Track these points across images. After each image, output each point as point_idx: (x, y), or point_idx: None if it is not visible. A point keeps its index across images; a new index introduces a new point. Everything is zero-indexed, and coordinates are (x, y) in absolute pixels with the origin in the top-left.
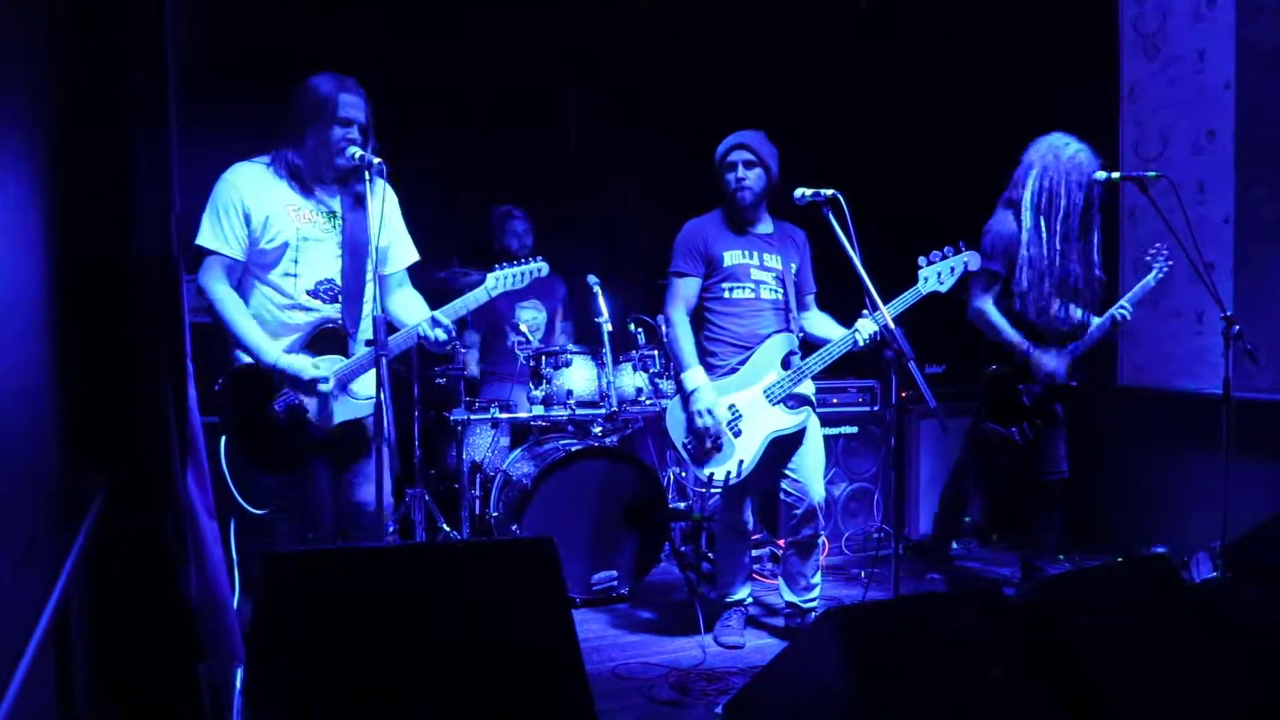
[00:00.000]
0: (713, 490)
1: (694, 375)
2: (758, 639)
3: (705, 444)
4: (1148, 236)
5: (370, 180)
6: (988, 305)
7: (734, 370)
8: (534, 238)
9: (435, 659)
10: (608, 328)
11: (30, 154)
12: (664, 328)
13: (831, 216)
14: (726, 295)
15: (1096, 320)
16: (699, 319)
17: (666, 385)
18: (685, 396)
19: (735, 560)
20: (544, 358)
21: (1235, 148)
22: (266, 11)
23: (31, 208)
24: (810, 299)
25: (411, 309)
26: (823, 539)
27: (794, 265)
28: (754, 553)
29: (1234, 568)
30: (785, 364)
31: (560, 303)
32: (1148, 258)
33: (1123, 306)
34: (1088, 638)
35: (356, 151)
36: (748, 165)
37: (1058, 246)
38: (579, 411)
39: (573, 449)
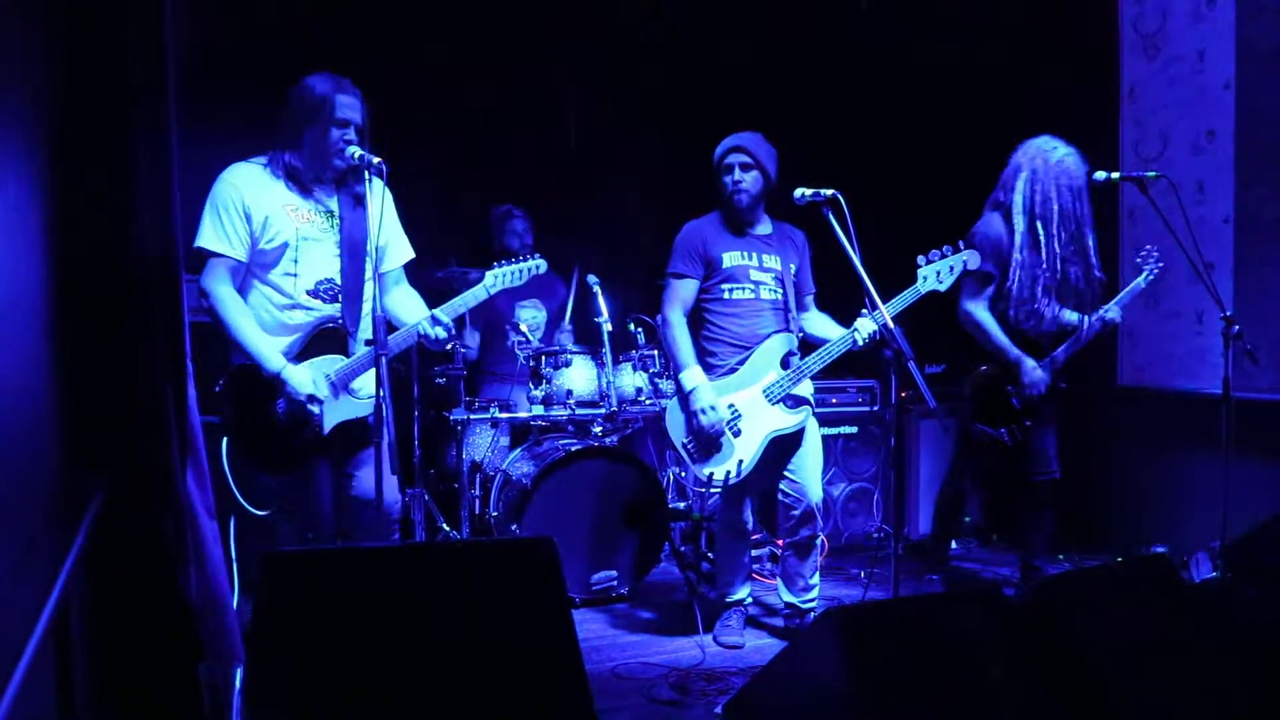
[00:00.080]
0: (712, 490)
1: (692, 375)
2: (757, 639)
3: (705, 443)
4: (1148, 236)
5: (369, 180)
6: (978, 308)
7: (733, 370)
8: (534, 237)
9: (435, 659)
10: (608, 328)
11: (30, 154)
12: (660, 328)
13: (831, 216)
14: (726, 296)
15: (1087, 322)
16: (698, 319)
17: (666, 385)
18: (684, 396)
19: (735, 560)
20: (544, 357)
21: (1235, 148)
22: (266, 11)
23: (31, 208)
24: (809, 299)
25: (409, 307)
26: (821, 539)
27: (793, 266)
28: (754, 553)
29: (1234, 568)
30: (784, 364)
31: (561, 303)
32: (1138, 260)
33: (1111, 309)
34: (1088, 638)
35: (356, 151)
36: (744, 168)
37: (1056, 250)
38: (579, 411)
39: (572, 449)
